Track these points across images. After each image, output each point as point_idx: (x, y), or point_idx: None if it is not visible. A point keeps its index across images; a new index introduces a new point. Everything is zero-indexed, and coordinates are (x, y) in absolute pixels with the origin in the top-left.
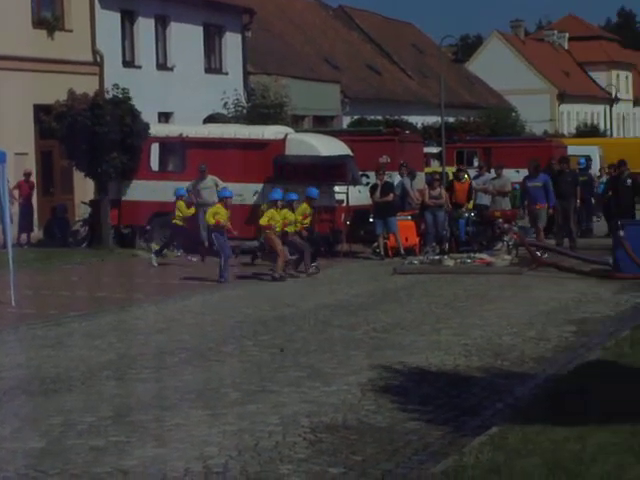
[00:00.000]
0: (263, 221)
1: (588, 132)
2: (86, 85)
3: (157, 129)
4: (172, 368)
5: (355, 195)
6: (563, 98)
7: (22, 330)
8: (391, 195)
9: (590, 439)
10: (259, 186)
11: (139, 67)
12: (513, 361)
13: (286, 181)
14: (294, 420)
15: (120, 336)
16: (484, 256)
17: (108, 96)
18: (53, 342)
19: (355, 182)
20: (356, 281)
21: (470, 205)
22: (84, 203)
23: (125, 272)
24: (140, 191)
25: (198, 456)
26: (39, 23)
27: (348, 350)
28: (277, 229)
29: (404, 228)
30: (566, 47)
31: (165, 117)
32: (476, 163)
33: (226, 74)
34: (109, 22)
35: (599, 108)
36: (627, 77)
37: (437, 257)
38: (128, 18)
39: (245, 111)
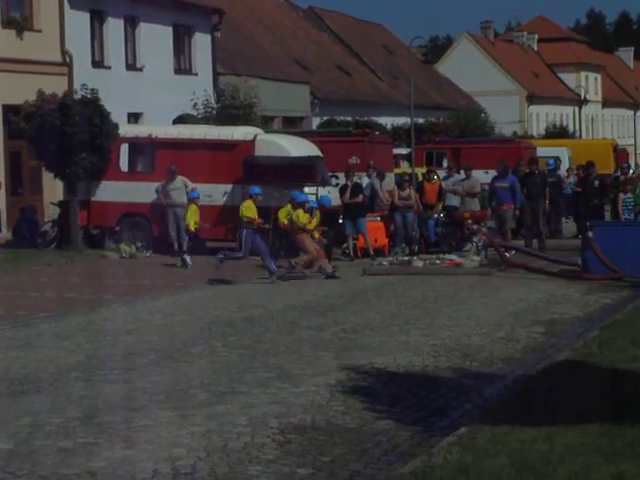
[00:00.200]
0: (304, 220)
1: (557, 133)
2: (55, 85)
3: (126, 130)
4: (141, 369)
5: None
6: (532, 99)
7: None
8: (360, 196)
9: (558, 439)
10: (228, 187)
11: (108, 67)
12: (482, 362)
13: (256, 182)
14: (263, 421)
15: (89, 337)
16: (453, 257)
17: (77, 96)
18: (22, 343)
19: (324, 183)
20: (325, 282)
21: (440, 206)
22: (53, 204)
23: (94, 273)
24: (109, 192)
25: (167, 457)
26: (8, 23)
27: (317, 351)
28: (312, 230)
29: (373, 229)
30: (535, 48)
31: (134, 118)
32: (445, 164)
33: (196, 75)
34: (78, 22)
35: (568, 109)
36: (596, 79)
37: (406, 258)
38: (97, 18)
39: (214, 112)
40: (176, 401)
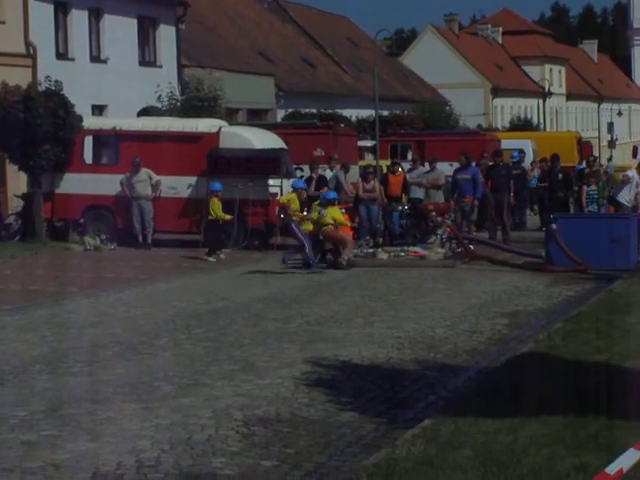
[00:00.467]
0: (339, 218)
1: (522, 126)
2: (19, 77)
3: (90, 122)
4: (105, 362)
5: (289, 188)
6: (497, 92)
7: None
8: (325, 188)
9: (522, 431)
10: (193, 179)
11: (72, 59)
12: (446, 354)
13: (220, 174)
14: (227, 413)
15: (53, 329)
16: (417, 249)
17: (41, 88)
18: None
19: (289, 175)
20: (290, 274)
21: (405, 198)
22: (17, 196)
23: (58, 265)
24: (73, 184)
25: (130, 450)
26: None
27: (281, 343)
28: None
29: None
30: (500, 41)
31: (99, 110)
32: (410, 157)
33: (160, 67)
34: (42, 14)
35: (532, 102)
36: (560, 71)
37: (371, 250)
38: (61, 10)
39: (179, 104)
40: (140, 394)
